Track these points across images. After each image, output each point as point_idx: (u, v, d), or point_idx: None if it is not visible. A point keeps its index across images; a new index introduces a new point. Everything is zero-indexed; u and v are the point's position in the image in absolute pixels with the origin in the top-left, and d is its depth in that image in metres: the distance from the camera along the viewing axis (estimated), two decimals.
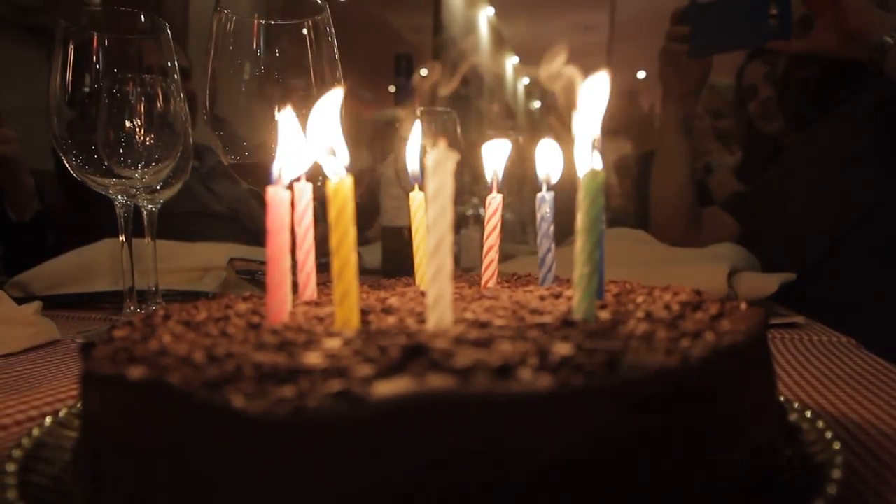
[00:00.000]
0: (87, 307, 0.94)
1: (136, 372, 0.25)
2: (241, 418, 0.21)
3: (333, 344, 0.26)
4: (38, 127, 0.82)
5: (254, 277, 1.00)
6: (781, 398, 0.38)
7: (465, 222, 1.49)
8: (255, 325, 0.33)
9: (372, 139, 2.34)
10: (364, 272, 1.35)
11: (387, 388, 0.21)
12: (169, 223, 0.99)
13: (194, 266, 0.99)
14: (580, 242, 0.32)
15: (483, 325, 0.30)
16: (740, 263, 0.88)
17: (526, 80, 13.42)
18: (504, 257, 1.24)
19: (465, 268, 1.40)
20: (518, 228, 2.29)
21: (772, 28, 1.21)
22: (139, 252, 0.78)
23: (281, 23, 0.69)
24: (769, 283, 0.82)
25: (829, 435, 0.33)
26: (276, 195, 0.32)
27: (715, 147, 1.87)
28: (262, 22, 0.68)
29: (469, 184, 1.37)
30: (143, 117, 0.76)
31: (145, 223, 0.80)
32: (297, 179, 0.38)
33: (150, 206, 0.81)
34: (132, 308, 0.78)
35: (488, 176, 0.47)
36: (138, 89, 0.75)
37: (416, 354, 0.24)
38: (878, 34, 1.03)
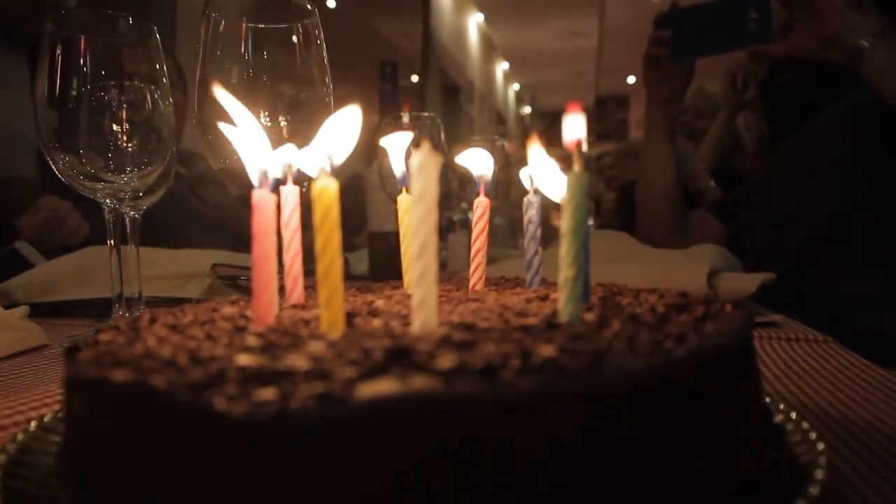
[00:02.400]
0: (73, 314, 0.93)
1: (119, 375, 0.25)
2: (223, 420, 0.21)
3: (317, 346, 0.26)
4: (25, 135, 0.82)
5: (236, 282, 1.00)
6: (767, 399, 0.38)
7: (453, 227, 1.49)
8: (240, 328, 0.33)
9: (363, 145, 2.35)
10: (352, 278, 1.35)
11: (369, 389, 0.21)
12: (156, 230, 0.98)
13: (178, 272, 0.99)
14: (565, 245, 0.32)
15: (468, 327, 0.30)
16: (720, 264, 0.89)
17: (516, 86, 13.48)
18: (492, 261, 1.25)
19: (453, 272, 1.40)
20: (508, 233, 2.30)
21: (752, 32, 1.22)
22: (123, 259, 0.78)
23: (269, 27, 0.69)
24: (749, 283, 0.83)
25: (813, 436, 0.33)
26: (261, 198, 0.32)
27: (702, 168, 1.91)
28: (251, 26, 0.68)
29: (457, 189, 1.38)
30: (130, 122, 0.76)
31: (128, 230, 0.80)
32: (284, 183, 0.38)
33: (132, 212, 0.80)
34: (121, 313, 0.77)
35: (475, 180, 0.47)
36: (125, 94, 0.75)
37: (399, 356, 0.24)
38: (855, 38, 1.05)
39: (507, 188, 1.71)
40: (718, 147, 2.14)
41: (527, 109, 14.92)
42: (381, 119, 1.30)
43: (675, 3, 1.39)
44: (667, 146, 1.47)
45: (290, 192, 0.38)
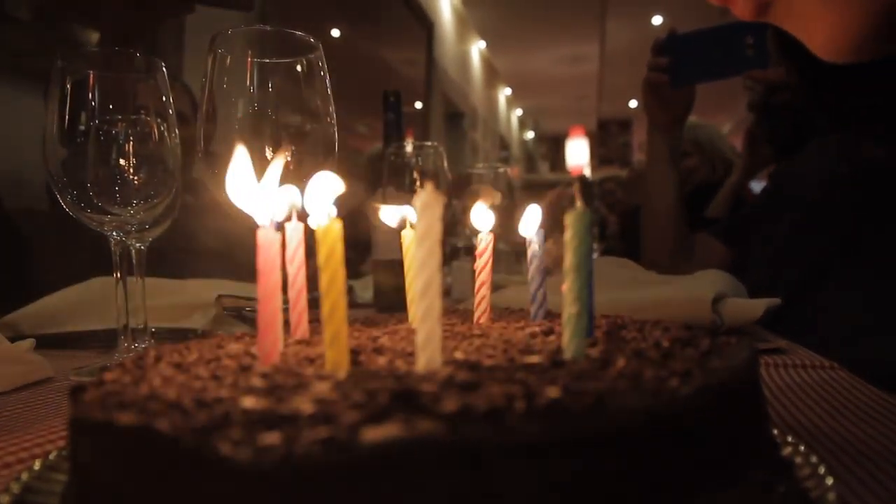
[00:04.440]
0: (78, 345, 0.93)
1: (124, 418, 0.25)
2: (228, 465, 0.21)
3: (322, 388, 0.26)
4: (32, 167, 0.83)
5: (241, 314, 1.00)
6: (774, 430, 0.38)
7: (457, 253, 1.49)
8: (245, 367, 0.33)
9: (366, 172, 2.37)
10: (357, 306, 1.34)
11: (374, 434, 0.21)
12: (161, 259, 0.99)
13: (183, 303, 0.99)
14: (569, 282, 0.32)
15: (472, 366, 0.30)
16: (725, 289, 0.89)
17: (519, 111, 13.58)
18: (497, 288, 1.25)
19: (457, 299, 1.40)
20: (512, 258, 2.30)
21: (749, 58, 1.25)
22: (129, 290, 0.78)
23: (274, 61, 0.70)
24: (754, 308, 0.83)
25: (822, 470, 0.33)
26: (265, 237, 0.33)
27: None
28: (256, 60, 0.69)
29: (461, 215, 1.38)
30: (136, 155, 0.76)
31: (134, 262, 0.80)
32: (288, 219, 0.39)
33: (138, 244, 0.81)
34: (126, 345, 0.77)
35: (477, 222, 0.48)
36: (132, 128, 0.76)
37: (404, 399, 0.24)
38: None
39: (510, 214, 1.71)
40: (731, 200, 2.16)
41: (530, 134, 15.01)
42: (384, 148, 1.31)
43: (673, 30, 1.41)
44: (670, 170, 1.49)
45: (295, 229, 0.38)
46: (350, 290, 1.43)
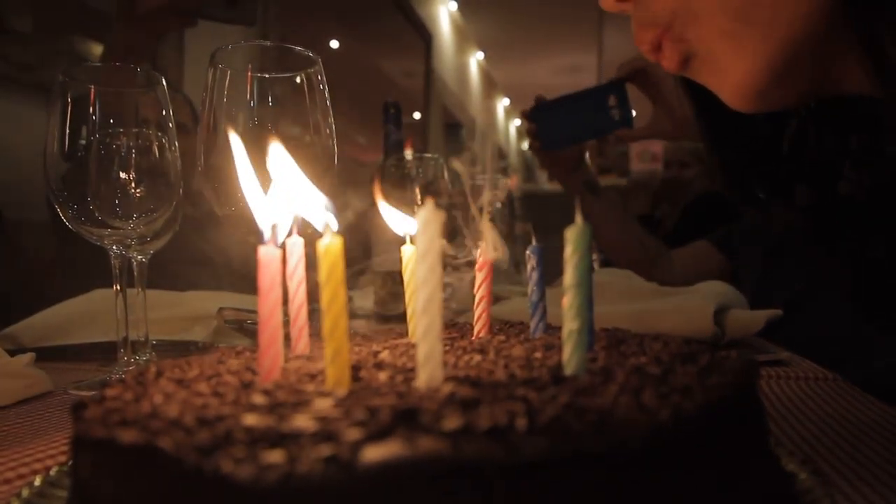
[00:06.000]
0: (78, 358, 0.93)
1: (126, 436, 0.25)
2: (230, 483, 0.21)
3: (324, 405, 0.26)
4: (33, 179, 0.83)
5: (242, 326, 1.00)
6: (776, 443, 0.38)
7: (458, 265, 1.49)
8: (247, 383, 0.33)
9: (370, 183, 2.37)
10: (357, 317, 1.34)
11: (376, 452, 0.21)
12: (162, 271, 0.99)
13: (184, 315, 0.99)
14: (569, 297, 0.32)
15: (473, 382, 0.30)
16: (726, 301, 0.89)
17: (517, 122, 13.59)
18: (497, 299, 1.25)
19: (457, 310, 1.40)
20: (512, 269, 2.30)
21: (613, 119, 1.30)
22: (129, 302, 0.78)
23: (274, 76, 0.70)
24: (755, 320, 0.83)
25: (822, 483, 0.33)
26: (266, 254, 0.33)
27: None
28: (256, 75, 0.69)
29: (461, 227, 1.38)
30: (137, 169, 0.77)
31: (135, 274, 0.81)
32: (289, 235, 0.39)
33: (139, 256, 0.81)
34: (126, 358, 0.77)
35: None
36: (133, 142, 0.76)
37: (405, 416, 0.24)
38: None
39: (510, 224, 1.72)
40: None
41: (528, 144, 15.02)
42: (384, 160, 1.32)
43: (540, 97, 1.46)
44: (594, 202, 1.56)
45: (295, 244, 0.38)
46: (349, 300, 1.43)
